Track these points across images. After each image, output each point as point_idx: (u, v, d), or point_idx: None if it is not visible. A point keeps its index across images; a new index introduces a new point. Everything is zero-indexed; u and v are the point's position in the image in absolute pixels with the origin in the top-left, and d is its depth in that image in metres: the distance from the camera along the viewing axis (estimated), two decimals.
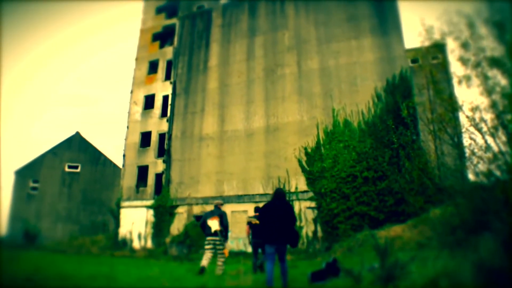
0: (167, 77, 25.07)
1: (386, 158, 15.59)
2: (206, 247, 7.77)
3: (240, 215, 18.44)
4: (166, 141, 22.51)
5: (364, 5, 19.32)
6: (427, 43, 16.72)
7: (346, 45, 18.86)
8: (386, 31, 18.33)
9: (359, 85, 17.88)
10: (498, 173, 5.89)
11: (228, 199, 19.17)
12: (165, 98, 24.51)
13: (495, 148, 6.19)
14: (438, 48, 16.73)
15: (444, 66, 17.08)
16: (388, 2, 18.93)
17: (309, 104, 18.64)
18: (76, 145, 36.08)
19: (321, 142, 17.55)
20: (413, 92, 16.85)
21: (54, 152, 34.92)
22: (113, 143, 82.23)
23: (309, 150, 17.67)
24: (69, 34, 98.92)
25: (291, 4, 21.35)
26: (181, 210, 20.18)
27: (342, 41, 19.01)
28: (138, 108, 25.36)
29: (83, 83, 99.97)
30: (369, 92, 17.38)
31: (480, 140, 6.74)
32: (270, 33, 21.27)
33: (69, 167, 35.45)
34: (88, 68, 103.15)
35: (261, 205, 15.47)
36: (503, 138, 6.10)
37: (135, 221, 21.82)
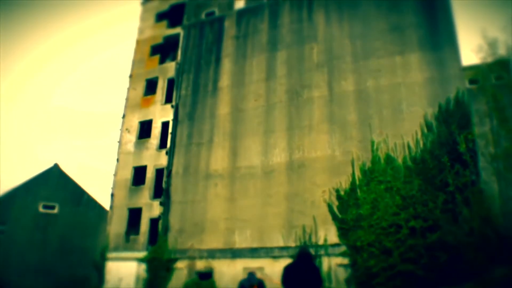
0: (168, 100, 27.76)
1: (438, 204, 17.04)
2: None
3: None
4: (164, 179, 24.72)
5: (410, 12, 21.53)
6: (489, 60, 18.97)
7: (388, 62, 20.94)
8: (438, 45, 20.33)
9: (404, 112, 19.72)
10: None
11: (240, 253, 20.89)
12: (165, 125, 27.03)
13: None
14: (504, 65, 18.75)
15: (511, 88, 18.77)
16: (440, 8, 21.14)
17: (342, 135, 20.55)
18: (54, 180, 39.17)
19: (357, 182, 19.22)
20: (473, 120, 18.49)
21: (27, 187, 38.06)
22: (99, 179, 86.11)
23: (342, 193, 19.34)
24: (48, 45, 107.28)
25: (321, 10, 23.91)
26: (181, 264, 21.99)
27: (384, 57, 21.13)
28: (131, 137, 28.08)
29: (64, 100, 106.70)
30: (417, 120, 19.15)
31: None
32: (295, 47, 23.75)
33: (45, 207, 38.30)
34: (70, 84, 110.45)
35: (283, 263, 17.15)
36: None
37: (123, 277, 23.75)
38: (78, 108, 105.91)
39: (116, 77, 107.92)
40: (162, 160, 25.66)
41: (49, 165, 42.51)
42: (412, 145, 18.75)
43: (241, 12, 26.91)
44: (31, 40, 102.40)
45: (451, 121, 18.45)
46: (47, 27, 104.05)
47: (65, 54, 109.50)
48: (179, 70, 27.40)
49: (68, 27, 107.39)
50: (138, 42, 31.80)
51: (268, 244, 20.23)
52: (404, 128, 19.25)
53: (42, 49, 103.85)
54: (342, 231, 18.59)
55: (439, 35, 20.43)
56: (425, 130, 18.78)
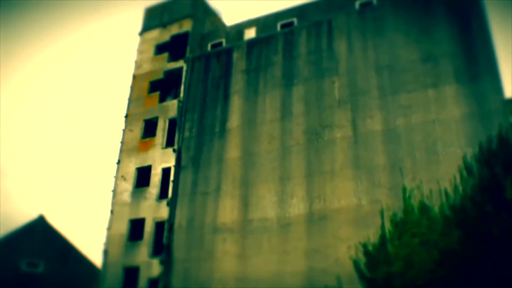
0: (169, 143, 29.49)
1: (482, 259, 17.77)
2: None
3: None
4: (165, 233, 25.85)
5: (444, 39, 23.05)
6: None
7: (420, 96, 22.32)
8: (476, 75, 21.63)
9: (440, 153, 20.91)
10: None
11: None
12: (166, 171, 28.59)
13: None
14: None
15: None
16: (478, 34, 22.70)
17: (369, 182, 21.67)
18: (39, 234, 40.70)
19: (388, 236, 20.12)
20: None
21: (7, 242, 39.53)
22: (90, 233, 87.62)
23: (370, 248, 20.19)
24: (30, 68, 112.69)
25: (343, 39, 25.66)
26: None
27: (415, 91, 22.55)
28: (128, 185, 29.68)
29: (48, 141, 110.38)
30: (455, 162, 20.10)
31: None
32: (313, 81, 25.40)
33: (28, 265, 39.62)
34: (56, 123, 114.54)
35: None
36: None
37: None
38: (66, 151, 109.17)
39: (110, 116, 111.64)
40: (163, 212, 27.04)
41: (33, 216, 44.01)
42: (450, 191, 19.69)
43: (251, 43, 28.96)
44: (16, 74, 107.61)
45: (494, 162, 19.42)
46: (34, 53, 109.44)
47: (51, 89, 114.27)
48: (182, 109, 29.28)
49: (58, 57, 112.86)
50: (135, 77, 34.07)
51: None
52: (440, 172, 20.33)
53: (25, 82, 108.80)
54: None
55: (477, 65, 21.84)
56: (465, 174, 19.73)
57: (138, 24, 37.78)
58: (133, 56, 36.05)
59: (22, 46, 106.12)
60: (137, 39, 36.41)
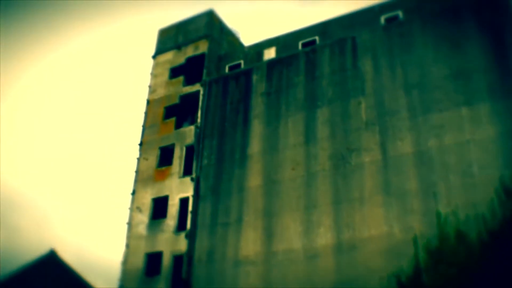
0: (187, 171, 30.32)
1: None
2: None
3: None
4: (184, 267, 26.45)
5: (476, 53, 23.45)
6: None
7: (452, 115, 22.82)
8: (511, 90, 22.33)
9: (476, 176, 21.26)
10: None
11: None
12: (184, 202, 29.31)
13: None
14: None
15: None
16: None
17: (400, 208, 22.06)
18: (50, 270, 41.43)
19: (422, 265, 20.59)
20: None
21: (16, 278, 40.31)
22: (105, 268, 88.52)
23: (404, 279, 20.61)
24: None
25: (368, 57, 26.41)
26: None
27: (447, 110, 23.10)
28: (143, 217, 30.48)
29: (58, 171, 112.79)
30: (493, 185, 20.43)
31: None
32: (338, 102, 26.10)
33: None
34: (68, 153, 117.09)
35: None
36: None
37: None
38: (77, 182, 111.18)
39: (123, 144, 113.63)
40: (181, 245, 27.78)
41: (44, 250, 44.99)
42: (488, 216, 20.20)
43: (272, 64, 30.06)
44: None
45: None
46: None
47: (62, 117, 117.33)
48: (200, 135, 30.37)
49: (64, 85, 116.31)
50: (149, 102, 35.31)
51: None
52: (477, 196, 20.73)
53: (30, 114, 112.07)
54: None
55: None
56: (503, 197, 20.20)
57: (151, 46, 39.14)
58: (146, 79, 37.39)
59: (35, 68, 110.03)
60: (150, 62, 37.76)
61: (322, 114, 26.32)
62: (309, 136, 26.17)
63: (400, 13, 27.55)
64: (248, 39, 60.69)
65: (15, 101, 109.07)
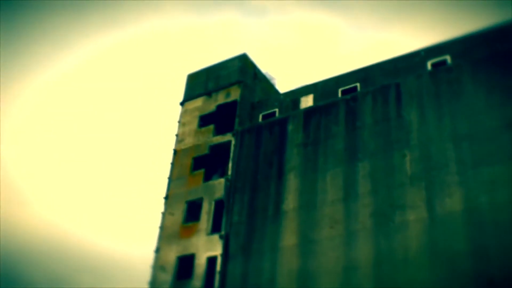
0: (216, 228, 31.36)
1: None
2: None
3: None
4: None
5: None
6: None
7: (506, 169, 23.08)
8: None
9: None
10: None
11: None
12: (211, 261, 30.16)
13: None
14: None
15: None
16: None
17: (449, 270, 22.34)
18: None
19: None
20: None
21: None
22: None
23: None
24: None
25: (413, 106, 27.26)
26: None
27: (500, 164, 23.50)
28: (167, 277, 31.30)
29: (76, 228, 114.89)
30: None
31: None
32: (380, 155, 26.98)
33: None
34: (84, 209, 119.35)
35: None
36: None
37: None
38: (95, 241, 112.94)
39: (147, 197, 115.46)
40: None
41: None
42: None
43: (309, 112, 31.37)
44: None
45: None
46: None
47: (81, 169, 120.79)
48: (230, 189, 31.57)
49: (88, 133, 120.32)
50: (176, 152, 36.93)
51: None
52: None
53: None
54: None
55: None
56: None
57: (179, 92, 40.97)
58: (173, 127, 38.86)
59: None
60: (178, 108, 39.67)
61: (363, 168, 27.24)
62: (349, 191, 27.06)
63: (448, 58, 28.68)
64: (283, 85, 62.54)
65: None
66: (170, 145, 37.94)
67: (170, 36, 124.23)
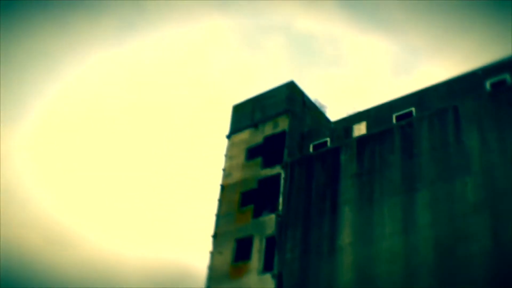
0: (268, 266, 31.86)
1: None
2: None
3: None
4: None
5: None
6: None
7: None
8: None
9: None
10: None
11: None
12: None
13: None
14: None
15: None
16: None
17: None
18: None
19: None
20: None
21: None
22: None
23: None
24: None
25: (473, 129, 27.55)
26: None
27: None
28: None
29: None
30: None
31: None
32: (440, 183, 27.24)
33: None
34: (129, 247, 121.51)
35: None
36: None
37: None
38: (144, 276, 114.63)
39: (194, 236, 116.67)
40: None
41: None
42: None
43: (362, 140, 32.08)
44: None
45: None
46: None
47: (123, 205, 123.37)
48: (281, 225, 32.31)
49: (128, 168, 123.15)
50: (224, 188, 37.93)
51: None
52: None
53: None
54: None
55: None
56: None
57: (225, 123, 42.18)
58: (219, 161, 40.06)
59: None
60: (224, 141, 40.86)
61: (423, 198, 27.64)
62: (408, 223, 27.50)
63: (508, 77, 28.97)
64: (334, 113, 63.14)
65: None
66: (217, 180, 39.08)
67: (214, 64, 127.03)
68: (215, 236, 36.14)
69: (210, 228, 37.01)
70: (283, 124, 37.16)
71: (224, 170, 39.07)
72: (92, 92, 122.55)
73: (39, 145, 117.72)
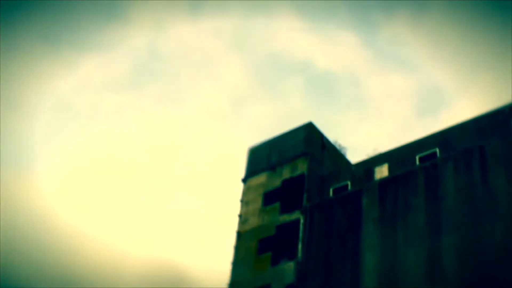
0: None
1: None
2: None
3: None
4: None
5: None
6: None
7: None
8: None
9: None
10: None
11: None
12: None
13: None
14: None
15: None
16: None
17: None
18: None
19: None
20: None
21: None
22: None
23: None
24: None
25: (500, 170, 27.89)
26: None
27: None
28: None
29: None
30: None
31: None
32: (467, 227, 27.57)
33: None
34: None
35: None
36: None
37: None
38: None
39: (208, 283, 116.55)
40: None
41: None
42: None
43: (384, 183, 32.50)
44: None
45: None
46: None
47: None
48: (301, 273, 32.55)
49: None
50: (240, 235, 38.40)
51: None
52: None
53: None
54: None
55: None
56: None
57: (239, 167, 42.94)
58: (234, 205, 40.70)
59: None
60: (239, 185, 41.60)
61: (449, 242, 27.84)
62: (434, 269, 27.66)
63: None
64: (354, 154, 63.54)
65: None
66: (233, 226, 39.50)
67: (225, 106, 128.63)
68: (231, 285, 36.42)
69: (226, 277, 37.35)
70: (302, 167, 37.70)
71: (240, 216, 39.52)
72: (113, 134, 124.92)
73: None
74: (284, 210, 37.39)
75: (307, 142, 38.74)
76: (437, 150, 32.58)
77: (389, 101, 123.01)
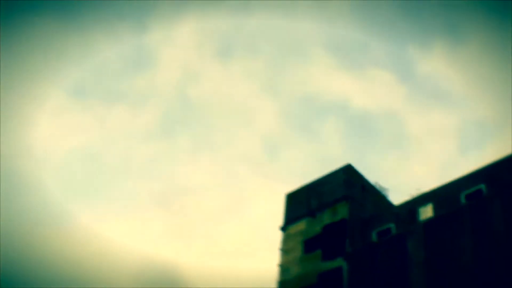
0: None
1: None
2: None
3: None
4: None
5: None
6: None
7: None
8: None
9: None
10: None
11: None
12: None
13: None
14: None
15: None
16: None
17: None
18: None
19: None
20: None
21: None
22: None
23: None
24: None
25: None
26: None
27: None
28: None
29: None
30: None
31: None
32: None
33: None
34: None
35: None
36: None
37: None
38: None
39: None
40: None
41: None
42: None
43: (429, 224, 32.80)
44: None
45: None
46: None
47: None
48: None
49: None
50: (281, 284, 39.08)
51: None
52: None
53: None
54: None
55: None
56: None
57: (277, 215, 43.55)
58: (274, 256, 41.27)
59: None
60: (278, 235, 42.29)
61: (499, 284, 28.23)
62: None
63: None
64: (396, 195, 63.68)
65: None
66: (272, 276, 39.71)
67: (259, 152, 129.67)
68: None
69: None
70: (342, 211, 38.24)
71: (280, 265, 40.05)
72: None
73: None
74: (326, 257, 37.85)
75: (346, 185, 39.29)
76: (483, 186, 32.80)
77: (430, 138, 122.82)
